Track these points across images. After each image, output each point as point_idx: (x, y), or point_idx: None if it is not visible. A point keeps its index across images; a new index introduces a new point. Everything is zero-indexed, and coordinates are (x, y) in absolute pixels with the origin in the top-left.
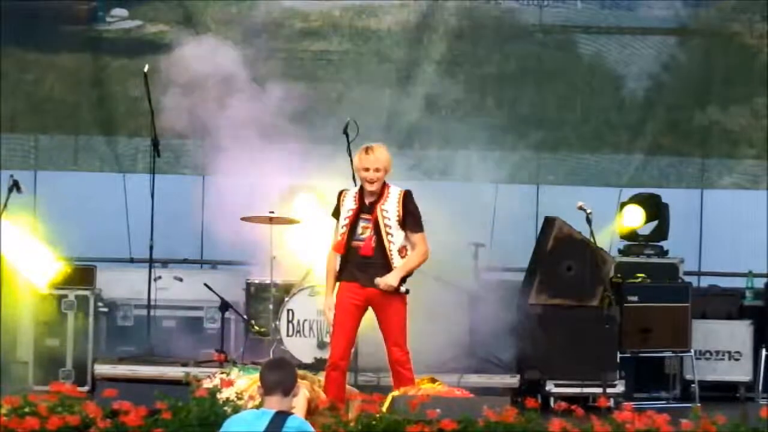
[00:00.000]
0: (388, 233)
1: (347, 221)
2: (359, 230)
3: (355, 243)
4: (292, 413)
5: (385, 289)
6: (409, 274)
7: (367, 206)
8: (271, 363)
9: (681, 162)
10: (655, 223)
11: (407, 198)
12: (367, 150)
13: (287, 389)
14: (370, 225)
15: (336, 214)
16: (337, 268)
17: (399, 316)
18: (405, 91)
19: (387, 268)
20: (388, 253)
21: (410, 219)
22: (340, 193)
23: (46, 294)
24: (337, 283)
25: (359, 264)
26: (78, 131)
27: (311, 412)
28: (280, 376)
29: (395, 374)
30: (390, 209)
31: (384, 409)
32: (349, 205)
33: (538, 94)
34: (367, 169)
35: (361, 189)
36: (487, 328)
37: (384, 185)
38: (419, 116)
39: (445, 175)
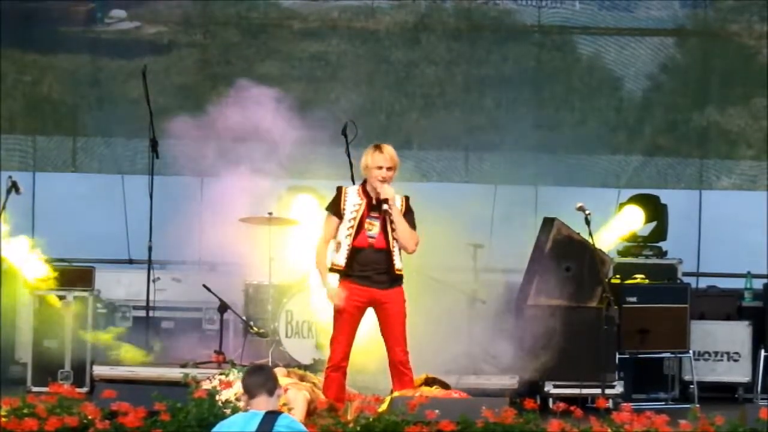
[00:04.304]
0: (393, 229)
1: (355, 215)
2: (366, 226)
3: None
4: (282, 412)
5: (388, 195)
6: (400, 232)
7: (374, 204)
8: (250, 369)
9: (679, 163)
10: (653, 224)
11: (408, 201)
12: (380, 148)
13: (271, 390)
14: (378, 222)
15: (332, 208)
16: (328, 259)
17: (399, 316)
18: (403, 92)
19: (391, 264)
20: (392, 249)
21: (410, 217)
22: (340, 189)
23: (45, 295)
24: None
25: (365, 262)
26: (76, 132)
27: (310, 414)
28: (261, 378)
29: (395, 375)
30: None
31: (383, 410)
32: (354, 200)
33: (536, 95)
34: (380, 168)
35: (363, 187)
36: (485, 329)
37: None
38: (417, 117)
39: (443, 176)
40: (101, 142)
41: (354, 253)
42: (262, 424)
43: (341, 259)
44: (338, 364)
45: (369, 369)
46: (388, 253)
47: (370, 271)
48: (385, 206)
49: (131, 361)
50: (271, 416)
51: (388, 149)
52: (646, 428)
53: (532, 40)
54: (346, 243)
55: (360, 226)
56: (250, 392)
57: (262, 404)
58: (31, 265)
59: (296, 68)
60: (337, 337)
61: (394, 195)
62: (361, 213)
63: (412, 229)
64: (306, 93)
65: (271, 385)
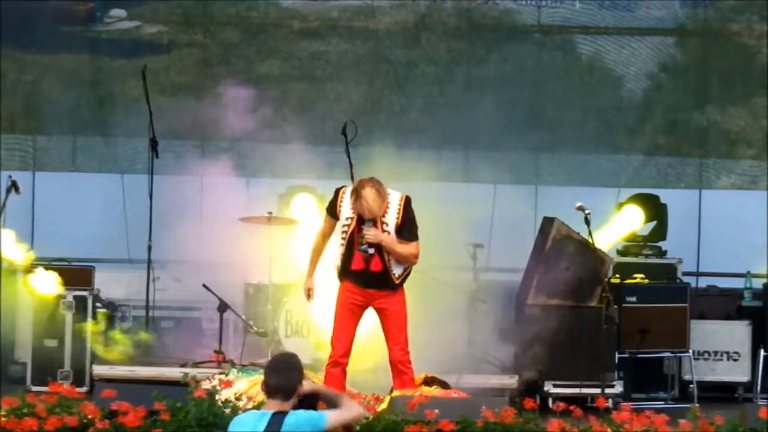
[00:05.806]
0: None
1: (347, 230)
2: (359, 240)
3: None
4: (289, 411)
5: (372, 236)
6: (395, 257)
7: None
8: (274, 364)
9: (679, 162)
10: (653, 223)
11: (407, 205)
12: (357, 196)
13: (288, 394)
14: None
15: (329, 210)
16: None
17: (398, 316)
18: (403, 92)
19: (387, 278)
20: (387, 263)
21: (406, 227)
22: (338, 191)
23: (44, 295)
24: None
25: (363, 277)
26: (76, 132)
27: None
28: (281, 381)
29: (395, 374)
30: (390, 220)
31: (382, 409)
32: (347, 212)
33: (536, 95)
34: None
35: None
36: (485, 329)
37: None
38: (417, 117)
39: (443, 176)
40: (101, 141)
41: (348, 262)
42: (269, 425)
43: (340, 263)
44: (338, 360)
45: (369, 368)
46: (386, 272)
47: (366, 277)
48: (371, 250)
49: (105, 358)
50: (279, 416)
51: (367, 200)
52: (646, 428)
53: (532, 40)
54: (340, 252)
55: (351, 242)
56: (267, 391)
57: (276, 406)
58: (17, 255)
59: (296, 68)
60: (338, 333)
61: (380, 239)
62: (351, 229)
63: (408, 245)
64: (306, 93)
65: (290, 390)
